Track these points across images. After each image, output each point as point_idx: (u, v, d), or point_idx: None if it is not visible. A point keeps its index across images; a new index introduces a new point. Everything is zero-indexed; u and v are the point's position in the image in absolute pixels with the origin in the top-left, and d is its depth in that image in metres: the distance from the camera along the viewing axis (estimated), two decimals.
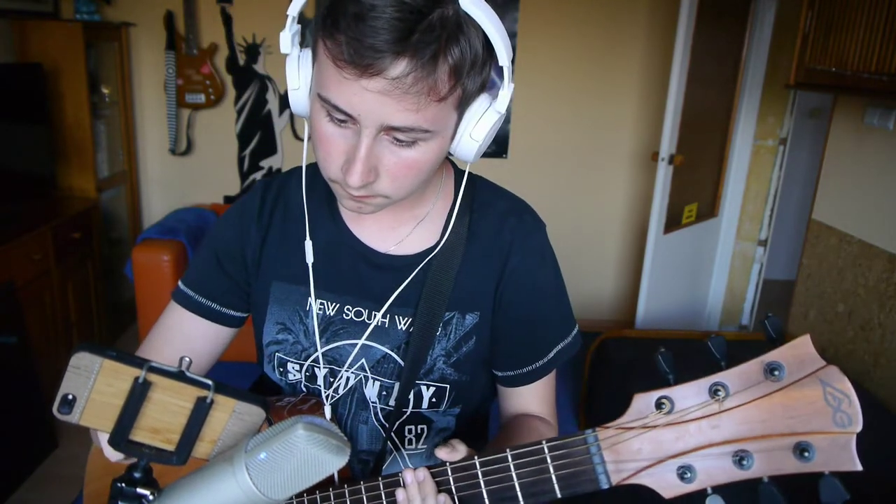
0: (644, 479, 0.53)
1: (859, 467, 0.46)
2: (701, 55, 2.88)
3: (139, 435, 0.56)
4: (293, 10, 0.69)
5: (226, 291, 0.91)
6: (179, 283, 0.92)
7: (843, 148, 2.56)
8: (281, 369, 0.90)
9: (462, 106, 0.70)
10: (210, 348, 0.92)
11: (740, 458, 0.49)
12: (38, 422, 2.38)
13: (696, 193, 3.33)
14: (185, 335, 0.90)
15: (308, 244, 0.85)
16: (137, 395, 0.55)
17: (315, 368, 0.87)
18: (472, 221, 0.85)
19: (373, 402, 0.88)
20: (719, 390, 0.50)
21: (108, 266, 3.18)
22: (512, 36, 3.41)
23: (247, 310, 0.93)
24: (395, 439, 0.91)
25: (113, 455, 0.64)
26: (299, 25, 0.72)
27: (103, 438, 0.58)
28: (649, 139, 3.49)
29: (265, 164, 3.53)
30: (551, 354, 0.89)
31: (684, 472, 0.51)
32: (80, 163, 3.00)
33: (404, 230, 0.85)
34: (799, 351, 0.48)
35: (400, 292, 0.84)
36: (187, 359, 0.56)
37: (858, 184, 2.46)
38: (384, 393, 0.87)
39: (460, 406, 0.90)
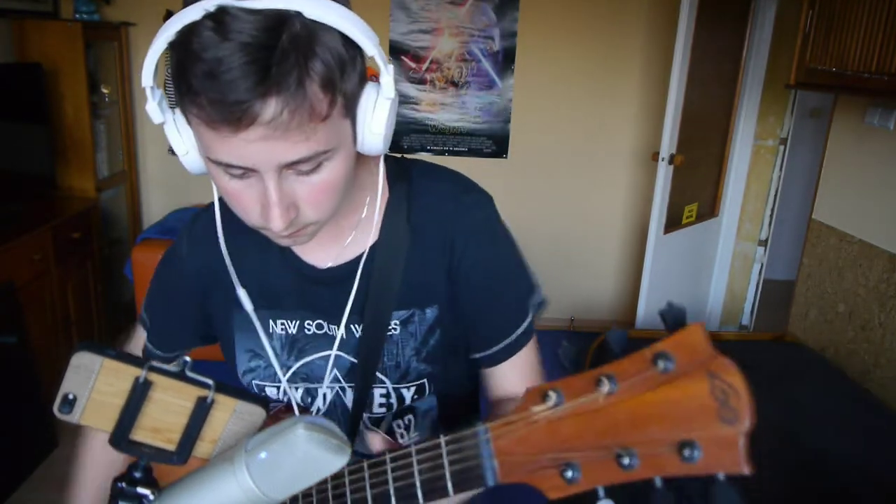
0: (529, 477, 0.49)
1: (746, 470, 0.41)
2: (701, 55, 2.88)
3: (140, 434, 0.56)
4: (147, 82, 0.66)
5: (168, 336, 0.93)
6: (142, 313, 0.95)
7: (843, 148, 2.56)
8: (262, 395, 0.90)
9: (349, 109, 0.68)
10: None
11: (622, 457, 0.44)
12: (38, 422, 2.38)
13: (696, 193, 3.33)
14: None
15: (242, 293, 0.83)
16: (138, 395, 0.55)
17: (292, 389, 0.88)
18: (411, 212, 0.83)
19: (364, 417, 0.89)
20: (602, 382, 0.46)
21: (108, 266, 3.18)
22: (512, 36, 3.42)
23: (191, 346, 0.95)
24: (387, 436, 0.91)
25: None
26: (160, 91, 0.69)
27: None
28: (649, 139, 3.49)
29: None
30: (523, 326, 0.85)
31: (566, 471, 0.47)
32: (80, 163, 3.00)
33: (343, 239, 0.84)
34: (689, 339, 0.43)
35: (345, 301, 0.82)
36: (188, 358, 0.56)
37: (858, 184, 2.46)
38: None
39: (440, 392, 0.90)
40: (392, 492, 0.59)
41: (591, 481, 0.46)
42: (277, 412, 0.88)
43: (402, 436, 0.91)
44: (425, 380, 0.86)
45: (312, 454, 0.53)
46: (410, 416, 0.91)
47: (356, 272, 0.82)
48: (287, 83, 0.59)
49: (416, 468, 0.57)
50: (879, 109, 2.31)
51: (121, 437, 0.56)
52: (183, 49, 0.60)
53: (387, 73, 0.68)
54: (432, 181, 0.86)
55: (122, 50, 3.24)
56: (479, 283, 0.84)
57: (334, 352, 0.84)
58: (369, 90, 0.69)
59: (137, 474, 0.57)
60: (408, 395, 0.86)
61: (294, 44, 0.59)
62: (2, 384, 2.24)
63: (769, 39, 3.29)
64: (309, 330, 0.86)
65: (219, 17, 0.57)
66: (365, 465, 0.61)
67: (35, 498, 2.26)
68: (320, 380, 0.87)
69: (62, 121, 2.94)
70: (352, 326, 0.84)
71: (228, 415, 0.57)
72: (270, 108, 0.59)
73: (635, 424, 0.44)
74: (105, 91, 3.24)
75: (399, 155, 0.89)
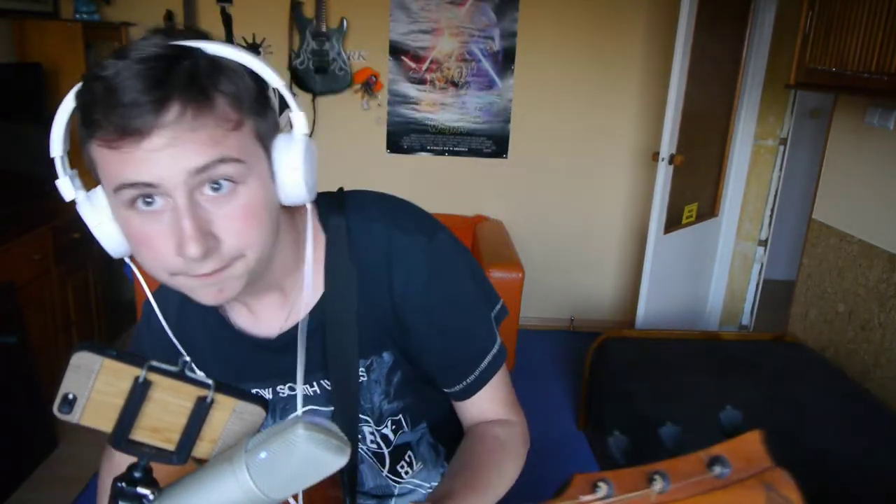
0: None
1: None
2: (701, 55, 2.88)
3: (139, 434, 0.56)
4: (57, 152, 0.66)
5: None
6: None
7: (843, 148, 2.56)
8: None
9: (263, 141, 0.66)
10: None
11: None
12: (38, 422, 2.38)
13: (696, 193, 3.33)
14: None
15: (199, 373, 0.82)
16: (138, 395, 0.55)
17: None
18: (353, 254, 0.77)
19: (360, 451, 0.89)
20: (655, 480, 0.46)
21: (108, 266, 3.18)
22: (512, 36, 3.42)
23: None
24: (393, 476, 0.92)
25: None
26: (74, 169, 0.70)
27: None
28: (649, 139, 3.49)
29: None
30: (490, 354, 0.82)
31: None
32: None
33: (288, 301, 0.79)
34: (747, 447, 0.44)
35: (307, 361, 0.78)
36: (188, 358, 0.56)
37: (858, 184, 2.46)
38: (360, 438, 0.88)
39: (424, 421, 0.88)
40: None
41: None
42: None
43: (406, 472, 0.91)
44: (400, 416, 0.85)
45: (312, 454, 0.53)
46: (409, 452, 0.90)
47: (306, 329, 0.78)
48: (189, 87, 0.59)
49: None
50: (879, 109, 2.31)
51: (121, 437, 0.56)
52: (85, 86, 0.60)
53: (295, 108, 0.66)
54: (365, 220, 0.79)
55: None
56: (429, 326, 0.79)
57: (300, 411, 0.81)
58: (284, 137, 0.68)
59: (137, 474, 0.57)
60: (389, 433, 0.86)
61: (196, 65, 0.60)
62: (2, 384, 2.24)
63: (769, 39, 3.29)
64: (283, 393, 0.85)
65: (118, 50, 0.59)
66: None
67: (35, 498, 2.26)
68: None
69: None
70: (322, 382, 0.83)
71: (228, 414, 0.57)
72: (172, 111, 0.58)
73: None
74: None
75: (334, 191, 0.83)
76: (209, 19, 3.32)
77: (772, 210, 3.56)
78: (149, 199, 0.62)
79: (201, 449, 0.58)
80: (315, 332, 0.79)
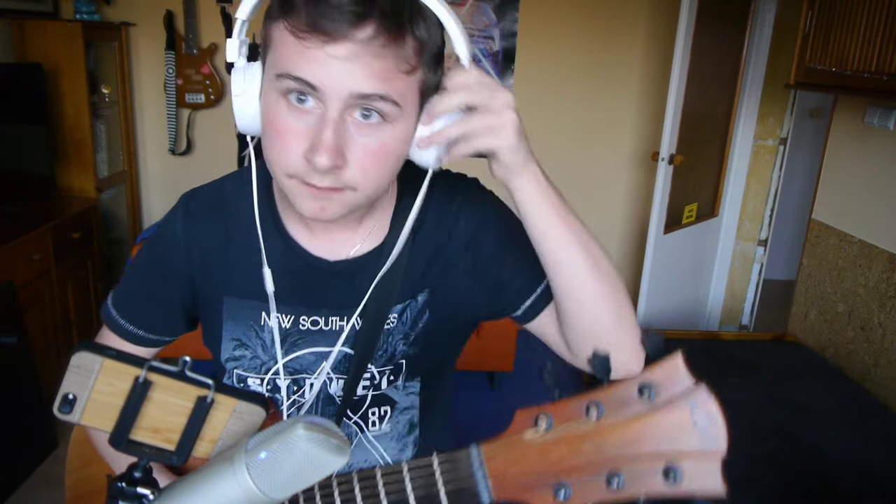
0: (523, 495, 0.53)
1: (723, 492, 0.46)
2: (701, 55, 2.88)
3: (140, 434, 0.56)
4: (243, 14, 0.66)
5: (157, 319, 0.89)
6: (108, 302, 0.90)
7: (843, 148, 2.56)
8: (241, 384, 0.88)
9: (423, 95, 0.68)
10: None
11: (611, 479, 0.48)
12: (38, 422, 2.38)
13: (696, 193, 3.34)
14: None
15: (267, 273, 0.80)
16: (138, 395, 0.55)
17: (276, 380, 0.86)
18: (418, 215, 0.80)
19: (338, 397, 0.87)
20: (591, 409, 0.49)
21: (108, 266, 3.18)
22: (512, 36, 3.42)
23: (179, 332, 0.91)
24: (361, 422, 0.90)
25: None
26: (247, 38, 0.70)
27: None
28: (649, 139, 3.49)
29: None
30: (544, 284, 0.82)
31: (559, 491, 0.51)
32: (80, 163, 3.00)
33: (352, 236, 0.82)
34: (670, 370, 0.48)
35: (351, 296, 0.81)
36: (187, 358, 0.56)
37: (858, 184, 2.46)
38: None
39: (419, 379, 0.88)
40: None
41: (582, 499, 0.49)
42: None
43: (374, 423, 0.89)
44: (403, 361, 0.85)
45: (312, 454, 0.53)
46: (387, 408, 0.89)
47: (361, 269, 0.81)
48: (390, 18, 0.60)
49: (408, 485, 0.57)
50: (879, 109, 2.31)
51: (121, 437, 0.56)
52: None
53: (463, 79, 0.68)
54: (441, 186, 0.85)
55: (122, 50, 3.24)
56: (496, 245, 0.83)
57: (338, 348, 0.83)
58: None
59: (137, 474, 0.57)
60: (384, 380, 0.86)
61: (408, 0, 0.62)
62: (2, 384, 2.24)
63: (769, 39, 3.29)
64: (303, 326, 0.84)
65: None
66: (355, 477, 0.60)
67: (35, 498, 2.26)
68: (307, 371, 0.86)
69: (62, 121, 2.94)
70: (353, 320, 0.83)
71: (228, 414, 0.57)
72: (367, 29, 0.59)
73: (622, 448, 0.48)
74: (105, 91, 3.24)
75: None
76: (209, 19, 3.32)
77: (772, 210, 3.56)
78: (302, 97, 0.64)
79: (201, 449, 0.58)
80: (364, 269, 0.80)
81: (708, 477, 0.45)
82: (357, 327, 0.83)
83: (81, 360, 0.53)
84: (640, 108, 3.53)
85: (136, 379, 0.54)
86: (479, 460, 0.55)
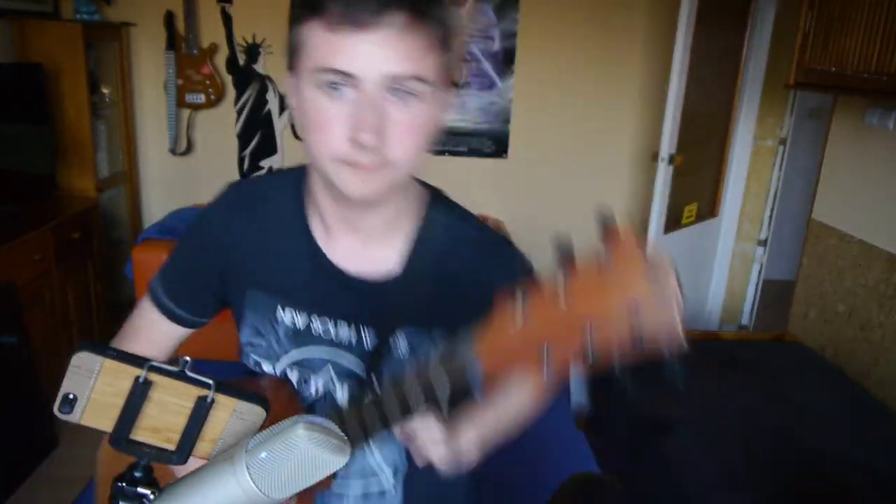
0: (511, 363, 0.60)
1: (683, 343, 0.52)
2: (701, 55, 2.88)
3: (140, 434, 0.56)
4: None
5: (195, 299, 0.93)
6: (156, 279, 0.94)
7: (842, 148, 2.56)
8: (258, 367, 0.92)
9: (444, 75, 0.74)
10: (173, 346, 0.96)
11: (585, 332, 0.54)
12: (38, 422, 2.38)
13: (696, 193, 3.34)
14: (153, 332, 0.94)
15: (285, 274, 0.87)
16: (138, 395, 0.55)
17: (288, 371, 0.90)
18: (439, 247, 0.85)
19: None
20: (559, 276, 0.55)
21: (108, 266, 3.18)
22: (512, 36, 3.42)
23: (212, 315, 0.96)
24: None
25: None
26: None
27: None
28: (649, 139, 3.49)
29: (265, 163, 3.53)
30: None
31: (542, 351, 0.56)
32: (80, 163, 3.00)
33: (372, 251, 0.85)
34: (625, 244, 0.53)
35: (364, 312, 0.85)
36: (188, 358, 0.56)
37: (858, 184, 2.47)
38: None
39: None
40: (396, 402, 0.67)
41: (562, 354, 0.56)
42: (272, 381, 0.90)
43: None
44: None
45: (312, 454, 0.53)
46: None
47: (378, 287, 0.84)
48: (416, 2, 0.67)
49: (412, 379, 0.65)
50: (879, 109, 2.31)
51: (121, 437, 0.56)
52: None
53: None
54: (469, 227, 0.89)
55: (122, 50, 3.24)
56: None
57: (343, 356, 0.86)
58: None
59: (138, 474, 0.57)
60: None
61: None
62: (2, 384, 2.24)
63: (769, 39, 3.29)
64: (315, 330, 0.87)
65: None
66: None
67: (35, 498, 2.26)
68: (315, 370, 0.89)
69: (62, 121, 2.93)
70: (361, 333, 0.86)
71: (228, 414, 0.58)
72: (394, 15, 0.66)
73: (589, 302, 0.54)
74: (105, 91, 3.24)
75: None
76: (209, 19, 3.32)
77: (771, 210, 3.56)
78: (336, 87, 0.69)
79: (201, 449, 0.58)
80: (382, 288, 0.84)
81: (668, 331, 0.51)
82: (367, 343, 0.86)
83: (81, 360, 0.53)
84: (639, 108, 3.53)
85: (137, 379, 0.54)
86: (469, 344, 0.61)
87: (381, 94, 0.68)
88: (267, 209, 0.87)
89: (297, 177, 0.87)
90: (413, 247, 0.85)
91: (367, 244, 0.84)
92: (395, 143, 0.70)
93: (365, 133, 0.68)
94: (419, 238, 0.85)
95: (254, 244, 0.87)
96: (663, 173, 2.92)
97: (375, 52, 0.66)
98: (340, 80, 0.68)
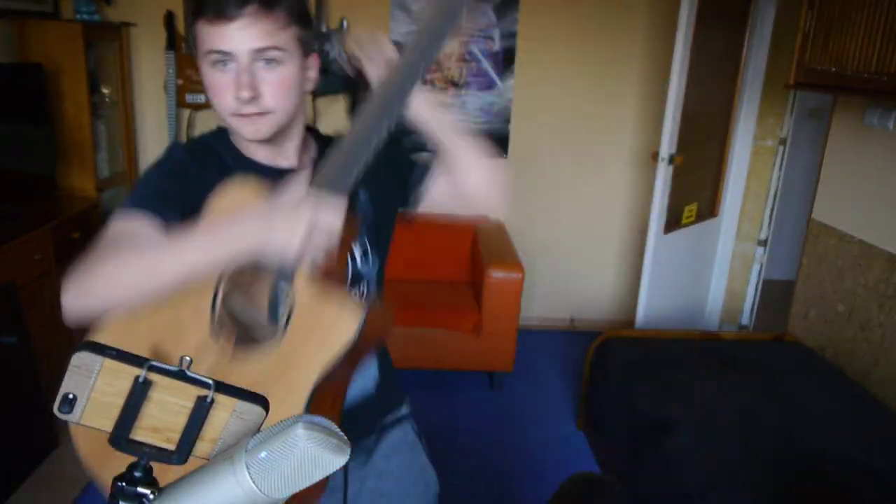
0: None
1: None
2: (701, 55, 2.88)
3: (140, 434, 0.56)
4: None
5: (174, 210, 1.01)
6: (132, 202, 0.98)
7: (842, 148, 2.56)
8: None
9: (303, 45, 0.98)
10: None
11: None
12: (38, 422, 2.38)
13: (696, 193, 3.34)
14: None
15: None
16: (138, 395, 0.55)
17: None
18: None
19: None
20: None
21: None
22: (512, 36, 3.42)
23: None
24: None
25: None
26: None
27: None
28: (649, 139, 3.49)
29: None
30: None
31: None
32: (80, 163, 3.00)
33: (287, 151, 1.07)
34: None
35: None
36: (188, 358, 0.56)
37: (858, 184, 2.47)
38: None
39: (378, 258, 1.13)
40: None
41: None
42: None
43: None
44: (367, 241, 1.12)
45: (312, 453, 0.53)
46: (364, 287, 1.12)
47: (308, 167, 1.07)
48: (265, 1, 0.93)
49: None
50: (879, 109, 2.31)
51: (121, 437, 0.56)
52: None
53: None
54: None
55: (122, 50, 3.24)
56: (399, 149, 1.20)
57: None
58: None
59: (137, 474, 0.57)
60: (358, 255, 1.10)
61: None
62: (2, 384, 2.24)
63: (769, 39, 3.29)
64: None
65: None
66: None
67: (35, 498, 2.26)
68: None
69: (63, 121, 2.94)
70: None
71: (228, 414, 0.58)
72: (250, 7, 0.91)
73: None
74: (105, 91, 3.24)
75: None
76: None
77: (771, 210, 3.56)
78: (222, 63, 0.94)
79: (201, 449, 0.58)
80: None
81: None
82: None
83: (82, 360, 0.53)
84: (639, 108, 3.54)
85: (137, 378, 0.54)
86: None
87: (252, 64, 0.93)
88: (211, 151, 1.06)
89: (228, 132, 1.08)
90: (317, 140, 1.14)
91: (289, 148, 1.08)
92: (269, 96, 0.95)
93: (244, 91, 0.93)
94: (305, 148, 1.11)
95: (206, 177, 0.99)
96: (663, 173, 2.92)
97: (242, 35, 0.91)
98: (222, 57, 0.93)
